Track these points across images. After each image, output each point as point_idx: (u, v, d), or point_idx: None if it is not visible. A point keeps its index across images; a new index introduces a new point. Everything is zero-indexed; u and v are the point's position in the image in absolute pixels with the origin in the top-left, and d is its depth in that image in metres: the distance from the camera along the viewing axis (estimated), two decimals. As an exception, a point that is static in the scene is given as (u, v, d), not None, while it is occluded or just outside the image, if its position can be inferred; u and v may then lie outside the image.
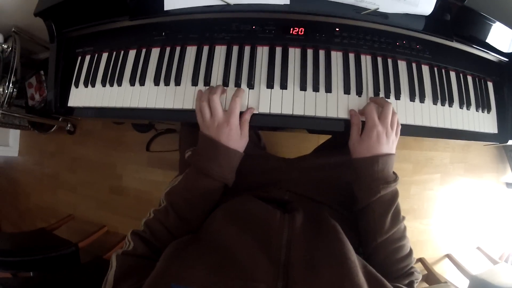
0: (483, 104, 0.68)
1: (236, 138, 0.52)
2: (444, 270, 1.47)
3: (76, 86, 0.69)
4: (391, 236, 0.49)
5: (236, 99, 0.53)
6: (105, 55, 0.68)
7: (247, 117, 0.55)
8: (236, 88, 0.58)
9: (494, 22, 0.63)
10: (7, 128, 1.61)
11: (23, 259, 1.00)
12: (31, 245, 1.17)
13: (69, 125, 1.60)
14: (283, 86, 0.58)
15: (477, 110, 0.67)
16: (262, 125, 0.58)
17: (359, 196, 0.53)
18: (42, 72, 1.33)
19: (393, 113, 0.53)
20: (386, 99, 0.58)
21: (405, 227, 0.52)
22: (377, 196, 0.50)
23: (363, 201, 0.52)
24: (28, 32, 1.20)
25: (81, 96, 0.68)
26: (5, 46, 1.16)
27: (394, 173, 0.53)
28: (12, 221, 1.76)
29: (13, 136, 1.77)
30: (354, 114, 0.56)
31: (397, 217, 0.51)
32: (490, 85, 0.70)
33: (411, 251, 0.51)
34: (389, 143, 0.52)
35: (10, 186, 1.79)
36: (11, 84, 1.15)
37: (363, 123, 0.54)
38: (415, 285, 0.49)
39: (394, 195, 0.51)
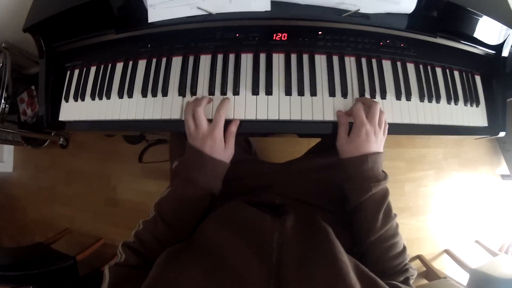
0: (471, 98, 0.68)
1: (220, 150, 0.53)
2: (443, 265, 1.47)
3: (66, 100, 0.69)
4: (384, 234, 0.50)
5: (221, 112, 0.53)
6: (93, 69, 0.69)
7: (233, 129, 0.55)
8: (222, 97, 0.58)
9: (479, 16, 0.63)
10: (1, 144, 1.61)
11: (23, 273, 1.01)
12: (30, 259, 1.17)
13: (61, 139, 1.60)
14: (268, 92, 0.58)
15: (465, 105, 0.67)
16: (250, 131, 0.58)
17: (350, 195, 0.54)
18: (33, 87, 1.34)
19: (381, 112, 0.54)
20: (373, 99, 0.58)
21: (397, 224, 0.52)
22: (369, 195, 0.50)
23: (354, 200, 0.52)
24: (18, 48, 1.20)
25: (71, 110, 0.69)
26: (-4, 62, 1.16)
27: (383, 171, 0.54)
28: (10, 235, 1.75)
29: (7, 151, 1.77)
30: (341, 114, 0.57)
31: (389, 215, 0.51)
32: (477, 78, 0.71)
33: (404, 248, 0.52)
34: (377, 141, 0.53)
35: (6, 201, 1.78)
36: (2, 100, 1.15)
37: (350, 124, 0.55)
38: (411, 281, 0.49)
39: (385, 193, 0.52)
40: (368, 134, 0.51)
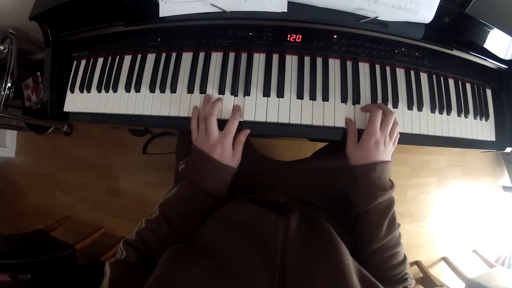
0: (481, 112, 0.67)
1: (228, 157, 0.54)
2: (440, 273, 1.48)
3: (72, 91, 0.68)
4: (386, 243, 0.50)
5: (234, 122, 0.54)
6: (100, 60, 0.68)
7: (242, 139, 0.56)
8: (232, 97, 0.57)
9: (493, 29, 0.63)
10: (4, 129, 1.60)
11: (21, 262, 1.00)
12: (28, 247, 1.16)
13: (65, 126, 1.59)
14: (280, 94, 0.57)
15: (475, 118, 0.67)
16: (258, 133, 0.57)
17: (356, 202, 0.53)
18: (38, 73, 1.32)
19: (395, 123, 0.54)
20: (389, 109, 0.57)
21: (400, 234, 0.52)
22: (374, 203, 0.50)
23: (360, 207, 0.52)
24: (25, 33, 1.19)
25: (76, 101, 0.68)
26: (2, 47, 1.14)
27: (390, 180, 0.54)
28: (9, 221, 1.75)
29: (10, 136, 1.76)
30: (349, 121, 0.57)
31: (393, 224, 0.51)
32: (488, 92, 0.70)
33: (405, 257, 0.51)
34: (386, 151, 0.53)
35: (7, 186, 1.78)
36: (8, 85, 1.14)
37: (359, 130, 0.54)
38: None
39: (391, 202, 0.52)
40: (378, 143, 0.51)
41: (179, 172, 0.55)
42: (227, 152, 0.53)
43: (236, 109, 0.56)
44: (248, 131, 0.56)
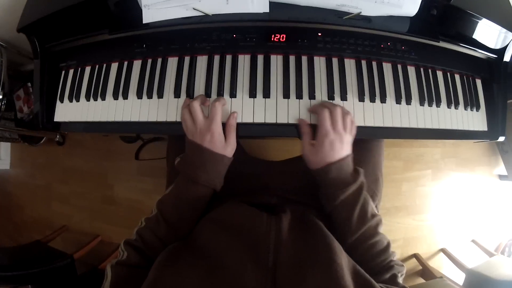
0: (471, 103, 0.67)
1: (220, 145, 0.52)
2: (439, 264, 1.48)
3: (61, 101, 0.68)
4: (361, 235, 0.49)
5: (216, 104, 0.52)
6: (88, 69, 0.68)
7: (232, 122, 0.54)
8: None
9: (481, 19, 0.62)
10: (-2, 141, 1.60)
11: (21, 273, 1.01)
12: (28, 258, 1.17)
13: (58, 136, 1.59)
14: (266, 94, 0.57)
15: (465, 109, 0.67)
16: (247, 134, 0.57)
17: (322, 203, 0.54)
18: (29, 84, 1.32)
19: (345, 114, 0.53)
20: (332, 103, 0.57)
21: (377, 224, 0.51)
22: (337, 202, 0.50)
23: (327, 206, 0.53)
24: (15, 46, 1.18)
25: (66, 111, 0.68)
26: (-8, 60, 1.14)
27: (356, 170, 0.53)
28: (8, 234, 1.75)
29: (4, 149, 1.75)
30: (302, 123, 0.56)
31: (364, 217, 0.50)
32: (478, 82, 0.70)
33: (388, 245, 0.51)
34: (343, 147, 0.51)
35: (3, 199, 1.78)
36: (-1, 98, 1.14)
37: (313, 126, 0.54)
38: (400, 278, 0.48)
39: (356, 196, 0.51)
40: (332, 143, 0.50)
41: (173, 169, 0.55)
42: (217, 139, 0.51)
43: (218, 97, 0.55)
44: (236, 114, 0.55)
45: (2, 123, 1.29)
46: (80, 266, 1.15)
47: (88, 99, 0.65)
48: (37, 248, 1.27)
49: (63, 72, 0.70)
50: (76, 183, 1.58)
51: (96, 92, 0.64)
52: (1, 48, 1.12)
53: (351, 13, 0.57)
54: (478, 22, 0.63)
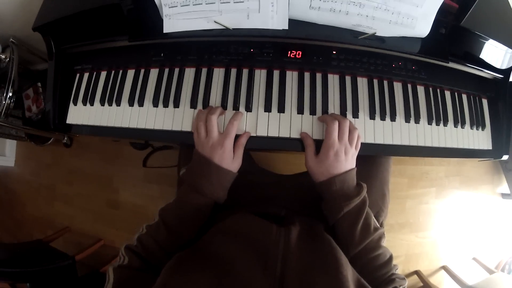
0: (477, 122, 0.69)
1: (228, 160, 0.53)
2: (440, 281, 1.47)
3: (75, 103, 0.69)
4: (363, 248, 0.50)
5: (234, 123, 0.53)
6: (103, 74, 0.69)
7: (243, 141, 0.55)
8: (234, 111, 0.58)
9: (488, 40, 0.63)
10: (4, 138, 1.60)
11: (21, 270, 1.00)
12: (28, 256, 1.16)
13: (65, 138, 1.59)
14: (281, 109, 0.58)
15: (471, 128, 0.68)
16: (260, 147, 0.58)
17: (325, 215, 0.54)
18: (39, 83, 1.32)
19: (353, 129, 0.54)
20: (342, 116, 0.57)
21: (380, 238, 0.52)
22: (341, 214, 0.51)
23: (330, 219, 0.53)
24: (26, 43, 1.19)
25: (79, 114, 0.68)
26: (3, 56, 1.14)
27: (359, 184, 0.53)
28: (8, 230, 1.74)
29: (10, 146, 1.75)
30: (305, 136, 0.57)
31: (367, 230, 0.51)
32: (484, 102, 0.71)
33: (390, 258, 0.51)
34: (348, 159, 0.52)
35: (6, 195, 1.77)
36: (9, 95, 1.14)
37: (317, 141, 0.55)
38: None
39: (360, 209, 0.51)
40: (338, 154, 0.51)
41: (180, 178, 0.56)
42: (227, 154, 0.52)
43: (236, 113, 0.56)
44: (249, 134, 0.56)
45: (9, 120, 1.29)
46: (81, 268, 1.14)
47: (102, 103, 0.66)
48: (38, 247, 1.26)
49: (78, 75, 0.71)
50: (81, 185, 1.58)
51: (112, 97, 0.65)
52: (13, 45, 1.13)
53: (366, 33, 0.58)
54: (485, 43, 0.64)
